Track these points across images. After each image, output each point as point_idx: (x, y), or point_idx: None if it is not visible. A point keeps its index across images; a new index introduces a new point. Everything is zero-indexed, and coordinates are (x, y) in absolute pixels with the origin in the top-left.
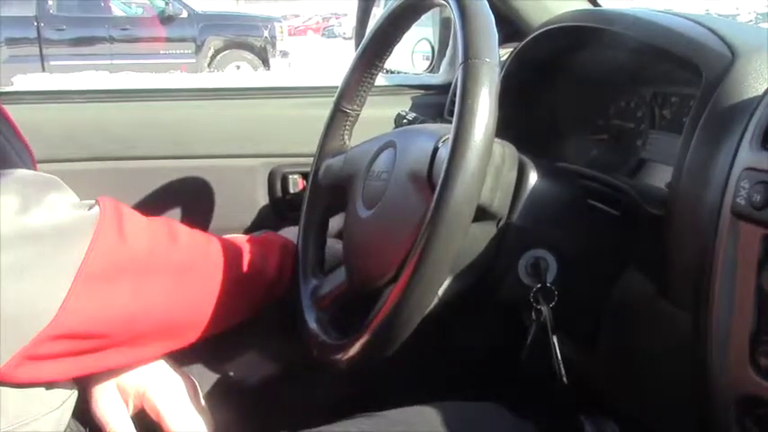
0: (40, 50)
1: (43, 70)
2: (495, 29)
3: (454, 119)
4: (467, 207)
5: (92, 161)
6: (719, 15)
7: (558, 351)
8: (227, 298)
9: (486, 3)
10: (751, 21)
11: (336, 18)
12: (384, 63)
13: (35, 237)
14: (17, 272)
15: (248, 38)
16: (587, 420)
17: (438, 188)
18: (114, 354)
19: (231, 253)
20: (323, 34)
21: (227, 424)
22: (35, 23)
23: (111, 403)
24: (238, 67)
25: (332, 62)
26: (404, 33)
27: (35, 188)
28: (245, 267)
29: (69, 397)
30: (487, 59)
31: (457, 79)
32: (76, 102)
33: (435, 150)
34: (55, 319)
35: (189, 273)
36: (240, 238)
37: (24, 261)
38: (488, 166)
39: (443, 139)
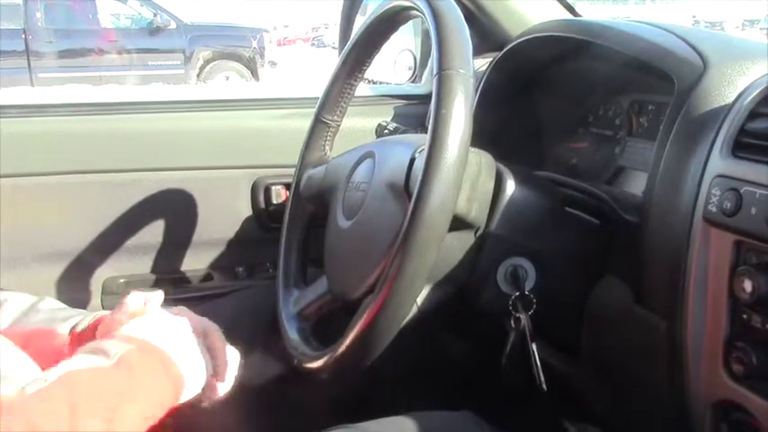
0: (29, 63)
1: (32, 83)
2: (469, 40)
3: (429, 130)
4: (442, 217)
5: (76, 174)
6: (707, 22)
7: (537, 358)
8: None
9: (461, 15)
10: (738, 27)
11: (326, 28)
12: (364, 74)
13: None
14: None
15: (237, 48)
16: (571, 426)
17: (413, 199)
18: None
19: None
20: (312, 44)
21: (230, 424)
22: (23, 36)
23: None
24: (227, 78)
25: (320, 71)
26: (382, 45)
27: None
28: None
29: None
30: (461, 70)
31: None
32: (60, 115)
33: (412, 161)
34: None
35: None
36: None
37: None
38: (464, 175)
39: (420, 149)
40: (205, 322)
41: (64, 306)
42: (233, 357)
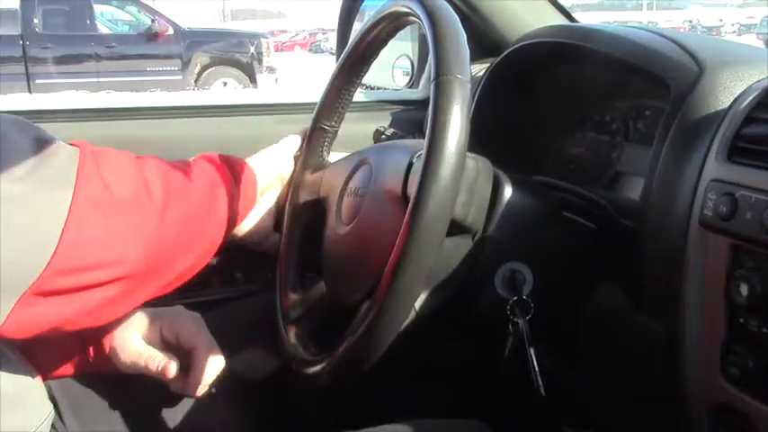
0: (26, 69)
1: (29, 89)
2: (466, 45)
3: (426, 135)
4: (440, 222)
5: None
6: (703, 26)
7: (535, 363)
8: (208, 222)
9: (458, 20)
10: (734, 31)
11: (323, 33)
12: (361, 80)
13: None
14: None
15: (235, 54)
16: (569, 431)
17: (411, 203)
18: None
19: (202, 178)
20: (310, 50)
21: (229, 420)
22: (21, 42)
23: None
24: (225, 84)
25: (318, 77)
26: (380, 50)
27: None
28: (218, 188)
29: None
30: (459, 76)
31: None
32: (58, 121)
33: (410, 166)
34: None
35: (169, 209)
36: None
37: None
38: (462, 180)
39: (417, 154)
40: (196, 339)
41: None
42: (213, 363)
